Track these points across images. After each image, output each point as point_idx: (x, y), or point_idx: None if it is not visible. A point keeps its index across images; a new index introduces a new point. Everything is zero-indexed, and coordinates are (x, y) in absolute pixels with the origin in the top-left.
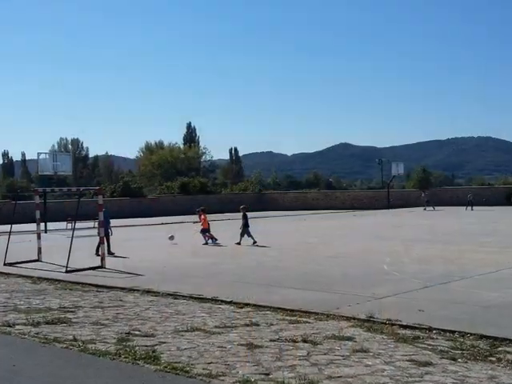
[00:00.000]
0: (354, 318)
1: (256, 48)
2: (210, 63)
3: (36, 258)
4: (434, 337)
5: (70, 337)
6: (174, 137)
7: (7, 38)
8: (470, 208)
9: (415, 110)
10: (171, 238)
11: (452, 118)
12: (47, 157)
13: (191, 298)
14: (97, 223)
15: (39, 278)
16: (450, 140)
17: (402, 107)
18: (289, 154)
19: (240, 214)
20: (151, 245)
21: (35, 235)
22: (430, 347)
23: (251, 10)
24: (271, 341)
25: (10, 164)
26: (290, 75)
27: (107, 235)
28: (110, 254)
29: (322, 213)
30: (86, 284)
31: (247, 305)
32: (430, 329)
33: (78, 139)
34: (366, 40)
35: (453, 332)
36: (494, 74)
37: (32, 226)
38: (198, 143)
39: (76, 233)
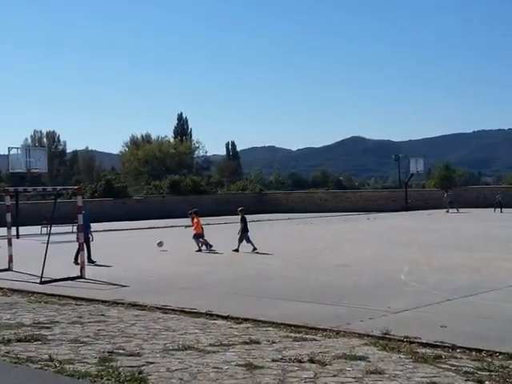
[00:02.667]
0: (368, 335)
1: (255, 31)
2: (203, 48)
3: (6, 266)
4: (458, 356)
5: (46, 356)
6: (163, 129)
7: None
8: (498, 210)
9: (436, 98)
10: (160, 244)
11: (478, 107)
12: (19, 152)
13: (182, 312)
14: (75, 227)
15: (10, 290)
16: (475, 133)
17: (421, 96)
18: (293, 148)
19: (238, 217)
20: (137, 252)
21: (5, 241)
22: (453, 368)
23: None
24: (273, 361)
25: None
26: (293, 60)
27: (87, 241)
28: (91, 262)
29: (331, 215)
30: (64, 296)
31: (246, 320)
32: (454, 347)
33: (54, 132)
34: (379, 21)
35: (479, 351)
36: None
37: (2, 231)
38: (191, 137)
39: (52, 238)
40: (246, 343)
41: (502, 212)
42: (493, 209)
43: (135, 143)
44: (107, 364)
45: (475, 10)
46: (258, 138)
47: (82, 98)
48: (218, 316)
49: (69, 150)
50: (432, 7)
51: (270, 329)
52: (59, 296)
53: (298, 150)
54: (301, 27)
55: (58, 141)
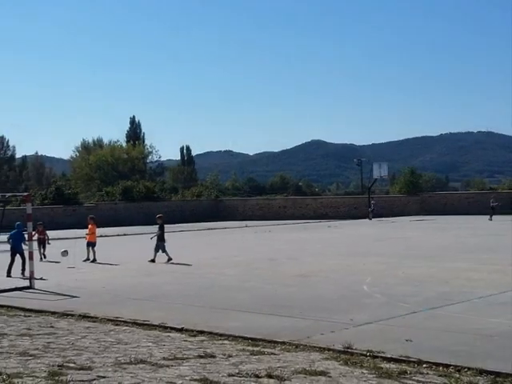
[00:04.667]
0: (329, 349)
1: (208, 28)
2: (156, 47)
3: None
4: (424, 372)
5: None
6: (115, 134)
7: None
8: (494, 217)
9: (400, 100)
10: (64, 253)
11: (445, 110)
12: None
13: (135, 324)
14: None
15: None
16: (443, 136)
17: (385, 98)
18: (251, 153)
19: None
20: (87, 262)
21: None
22: None
23: None
24: (230, 375)
25: None
26: (250, 59)
27: (21, 254)
28: (23, 275)
29: (290, 223)
30: (12, 307)
31: (201, 333)
32: (420, 362)
33: (3, 137)
34: (342, 21)
35: (447, 366)
36: (496, 58)
37: None
38: (144, 141)
39: (0, 247)
40: (201, 357)
41: (491, 219)
42: (488, 216)
43: (86, 148)
44: (57, 378)
45: (442, 11)
46: (213, 142)
47: (31, 101)
48: (172, 328)
49: (18, 155)
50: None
51: (227, 342)
52: (7, 307)
53: (256, 154)
54: (256, 24)
55: (7, 146)
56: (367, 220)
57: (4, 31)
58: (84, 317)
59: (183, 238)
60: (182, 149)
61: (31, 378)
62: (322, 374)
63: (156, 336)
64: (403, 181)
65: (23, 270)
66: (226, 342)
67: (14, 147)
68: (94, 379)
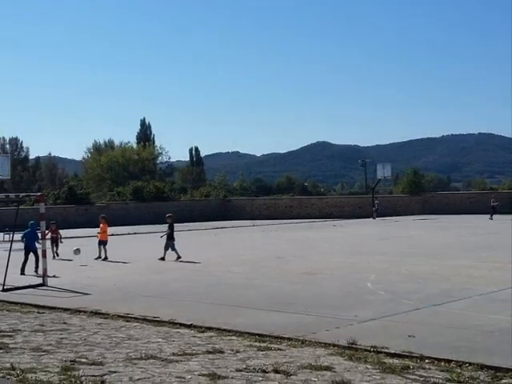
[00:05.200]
0: (334, 345)
1: (218, 31)
2: (162, 51)
3: None
4: (427, 367)
5: (8, 365)
6: (126, 135)
7: None
8: (495, 216)
9: (404, 103)
10: (77, 251)
11: (447, 112)
12: None
13: (145, 320)
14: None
15: None
16: (445, 138)
17: (388, 100)
18: (258, 154)
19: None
20: (99, 260)
21: None
22: (421, 379)
23: None
24: (237, 371)
25: None
26: (257, 63)
27: (36, 252)
28: (36, 273)
29: (296, 222)
30: (26, 304)
31: (210, 329)
32: (422, 357)
33: (17, 139)
34: (346, 23)
35: (449, 361)
36: (496, 61)
37: None
38: (154, 142)
39: (14, 245)
40: (210, 352)
41: (491, 219)
42: (488, 215)
43: (98, 149)
44: (69, 373)
45: (445, 13)
46: (222, 143)
47: (45, 104)
48: (181, 325)
49: (32, 156)
50: (401, 10)
51: (234, 338)
52: (21, 304)
53: (263, 155)
54: (264, 27)
55: (21, 147)
56: (371, 219)
57: (21, 33)
58: (96, 313)
59: (192, 237)
60: (190, 150)
61: (44, 373)
62: (327, 369)
63: (166, 332)
64: (406, 181)
65: (37, 267)
66: (233, 337)
67: (27, 148)
68: (106, 374)
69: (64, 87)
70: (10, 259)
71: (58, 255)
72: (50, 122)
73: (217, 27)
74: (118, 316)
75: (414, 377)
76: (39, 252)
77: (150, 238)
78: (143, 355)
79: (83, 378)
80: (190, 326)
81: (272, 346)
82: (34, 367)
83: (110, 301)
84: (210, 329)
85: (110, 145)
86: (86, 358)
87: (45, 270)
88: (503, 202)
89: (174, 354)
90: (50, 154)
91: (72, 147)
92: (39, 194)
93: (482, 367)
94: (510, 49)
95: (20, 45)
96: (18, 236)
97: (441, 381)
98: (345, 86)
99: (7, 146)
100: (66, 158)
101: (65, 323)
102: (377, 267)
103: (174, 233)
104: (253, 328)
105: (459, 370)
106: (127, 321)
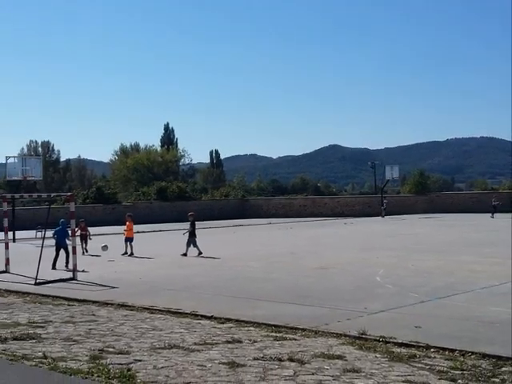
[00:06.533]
0: (345, 335)
1: (240, 40)
2: (187, 57)
3: (3, 269)
4: (432, 356)
5: (40, 354)
6: (150, 139)
7: None
8: (496, 215)
9: (411, 108)
10: (105, 247)
11: (451, 116)
12: (16, 161)
13: (169, 312)
14: (51, 232)
15: (7, 291)
16: (449, 141)
17: (396, 105)
18: (274, 156)
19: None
20: (125, 256)
21: (3, 245)
22: (427, 367)
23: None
24: (255, 359)
25: None
26: (273, 71)
27: (65, 249)
28: (67, 268)
29: (310, 220)
30: (57, 297)
31: (229, 320)
32: (428, 347)
33: (48, 142)
34: (356, 31)
35: (452, 350)
36: (497, 67)
37: (0, 235)
38: (177, 146)
39: (46, 242)
40: (229, 342)
41: (493, 217)
42: (490, 214)
43: (124, 152)
44: (98, 361)
45: (448, 19)
46: (240, 146)
47: (75, 109)
48: (202, 316)
49: (62, 158)
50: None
51: (252, 328)
52: (53, 297)
53: (279, 158)
54: (280, 35)
55: (53, 150)
56: (380, 218)
57: (52, 39)
58: (122, 306)
59: (212, 234)
60: (211, 153)
61: (74, 362)
62: (338, 358)
63: (188, 323)
64: (413, 182)
65: (67, 263)
66: (251, 328)
67: (58, 151)
68: (132, 362)
69: (93, 93)
70: (42, 255)
71: (87, 251)
72: (80, 126)
73: (236, 37)
74: (143, 308)
75: (420, 365)
76: (69, 248)
77: (173, 235)
78: (166, 345)
79: (110, 366)
80: (210, 318)
81: (287, 336)
82: (64, 356)
83: (135, 294)
84: (229, 320)
85: (135, 148)
86: (113, 348)
87: (75, 265)
88: (504, 202)
89: (195, 344)
90: (79, 156)
91: (100, 150)
92: (69, 193)
93: (484, 356)
94: (510, 59)
95: (51, 52)
96: (49, 233)
97: (445, 369)
98: (356, 92)
99: (39, 148)
100: (94, 160)
101: (93, 315)
102: (385, 262)
103: (196, 230)
104: (269, 319)
105: (462, 359)
106: (152, 312)
